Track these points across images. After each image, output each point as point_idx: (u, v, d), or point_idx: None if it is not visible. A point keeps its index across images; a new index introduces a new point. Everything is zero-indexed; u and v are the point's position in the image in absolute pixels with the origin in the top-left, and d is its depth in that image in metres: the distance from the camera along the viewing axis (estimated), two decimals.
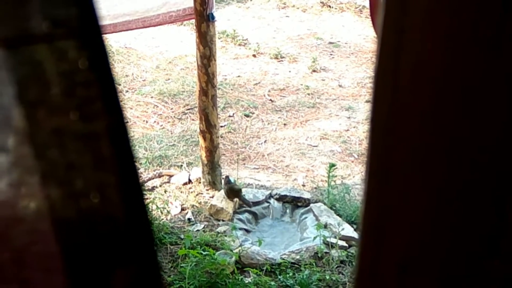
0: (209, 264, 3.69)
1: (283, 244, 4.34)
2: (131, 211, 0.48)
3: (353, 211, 4.51)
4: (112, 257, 0.49)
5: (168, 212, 4.60)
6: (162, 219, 4.49)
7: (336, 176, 4.80)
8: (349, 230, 4.27)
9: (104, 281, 0.50)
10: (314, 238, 4.09)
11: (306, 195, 4.74)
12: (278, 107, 6.58)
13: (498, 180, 0.46)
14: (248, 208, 4.62)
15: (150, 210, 4.37)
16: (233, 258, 3.91)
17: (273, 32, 8.82)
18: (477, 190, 0.47)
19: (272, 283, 3.77)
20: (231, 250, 3.99)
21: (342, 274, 3.96)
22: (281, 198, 4.73)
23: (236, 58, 7.92)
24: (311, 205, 4.62)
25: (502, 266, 0.48)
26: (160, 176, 5.11)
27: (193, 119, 6.15)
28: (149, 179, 5.02)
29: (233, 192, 4.55)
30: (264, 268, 3.91)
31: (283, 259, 4.01)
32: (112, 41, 7.52)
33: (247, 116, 6.37)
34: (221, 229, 4.37)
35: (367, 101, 6.62)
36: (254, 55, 7.97)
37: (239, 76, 7.37)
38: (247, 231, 4.47)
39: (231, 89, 6.97)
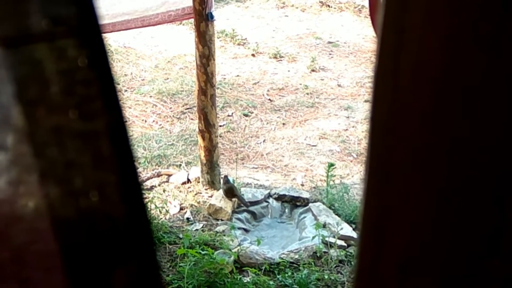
0: (207, 264, 3.69)
1: (281, 244, 4.34)
2: (130, 210, 0.48)
3: (352, 210, 4.51)
4: (111, 256, 0.49)
5: (167, 211, 4.60)
6: (161, 218, 4.49)
7: (335, 175, 4.80)
8: (347, 230, 4.28)
9: (104, 280, 0.50)
10: (313, 237, 4.09)
11: (305, 195, 4.75)
12: (277, 106, 6.58)
13: (498, 180, 0.46)
14: (247, 208, 4.62)
15: (149, 209, 4.37)
16: (232, 258, 3.91)
17: (272, 32, 8.82)
18: (477, 190, 0.47)
19: (271, 282, 3.77)
20: (230, 250, 3.99)
21: (341, 273, 3.96)
22: (280, 198, 4.73)
23: (235, 57, 7.91)
24: (310, 204, 4.62)
25: (502, 266, 0.48)
26: (159, 175, 5.11)
27: (192, 119, 6.15)
28: (148, 179, 5.02)
29: (231, 191, 4.55)
30: (263, 267, 3.92)
31: (282, 258, 4.01)
32: (111, 40, 7.52)
33: (246, 115, 6.37)
34: (219, 228, 4.37)
35: (366, 101, 6.63)
36: (253, 55, 7.97)
37: (238, 76, 7.37)
38: (246, 230, 4.47)
39: (230, 89, 6.97)
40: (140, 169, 5.08)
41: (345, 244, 4.18)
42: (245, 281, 3.76)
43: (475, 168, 0.46)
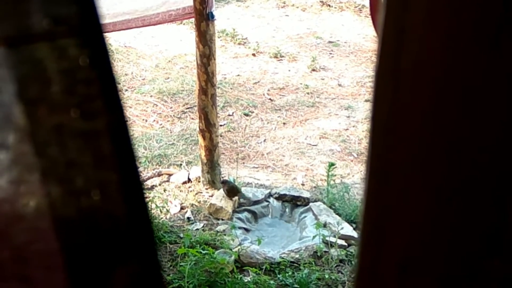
0: (208, 263, 3.69)
1: (282, 243, 4.34)
2: (131, 209, 0.48)
3: (353, 210, 4.51)
4: (112, 255, 0.49)
5: (168, 211, 4.60)
6: (162, 218, 4.49)
7: (335, 175, 4.80)
8: (348, 229, 4.28)
9: (105, 279, 0.50)
10: (314, 237, 4.09)
11: (306, 194, 4.75)
12: (278, 106, 6.58)
13: (498, 180, 0.46)
14: (248, 207, 4.62)
15: (149, 209, 4.36)
16: (233, 257, 3.91)
17: (272, 31, 8.82)
18: (477, 190, 0.47)
19: (271, 282, 3.77)
20: (231, 249, 3.99)
21: (341, 273, 3.96)
22: (281, 197, 4.73)
23: (235, 57, 7.92)
24: (311, 204, 4.62)
25: (502, 266, 0.49)
26: (159, 175, 5.11)
27: (192, 118, 6.16)
28: (149, 178, 5.02)
29: (233, 191, 4.56)
30: (264, 267, 3.92)
31: (283, 258, 4.01)
32: (111, 40, 7.51)
33: (246, 115, 6.37)
34: (220, 228, 4.37)
35: (366, 100, 6.63)
36: (253, 54, 7.97)
37: (238, 75, 7.37)
38: (247, 230, 4.47)
39: (231, 88, 6.97)
40: (140, 169, 5.08)
41: (346, 244, 4.19)
42: (246, 280, 3.76)
43: (476, 168, 0.46)
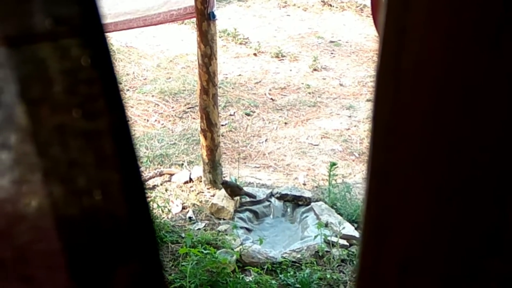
0: (210, 263, 3.69)
1: (284, 243, 4.34)
2: (133, 209, 0.48)
3: (354, 210, 4.51)
4: (114, 254, 0.49)
5: (169, 210, 4.60)
6: (163, 217, 4.49)
7: (337, 175, 4.80)
8: (350, 229, 4.27)
9: (107, 278, 0.50)
10: (315, 237, 4.09)
11: (307, 194, 4.75)
12: (279, 106, 6.58)
13: (499, 180, 0.46)
14: (249, 207, 4.62)
15: (151, 208, 4.37)
16: (234, 257, 3.91)
17: (274, 31, 8.82)
18: (478, 190, 0.47)
19: (273, 282, 3.77)
20: (232, 249, 3.99)
21: (343, 273, 3.96)
22: (282, 197, 4.73)
23: (237, 57, 7.92)
24: (312, 204, 4.62)
25: (502, 266, 0.49)
26: (161, 174, 5.12)
27: (194, 118, 6.16)
28: (150, 178, 5.02)
29: (235, 191, 4.56)
30: (265, 267, 3.92)
31: (284, 258, 4.01)
32: (113, 40, 7.52)
33: (248, 115, 6.37)
34: (222, 227, 4.38)
35: (368, 100, 6.63)
36: (255, 54, 7.97)
37: (240, 75, 7.37)
38: (248, 230, 4.47)
39: (232, 88, 6.97)
40: (142, 169, 5.09)
41: (347, 244, 4.18)
42: (247, 280, 3.76)
43: (476, 167, 0.46)
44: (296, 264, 3.99)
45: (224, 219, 4.49)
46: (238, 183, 4.76)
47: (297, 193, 4.74)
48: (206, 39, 4.41)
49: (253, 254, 4.01)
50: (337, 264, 4.01)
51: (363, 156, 5.49)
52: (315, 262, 3.98)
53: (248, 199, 4.65)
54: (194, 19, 4.61)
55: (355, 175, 5.20)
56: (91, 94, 0.44)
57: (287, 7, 9.71)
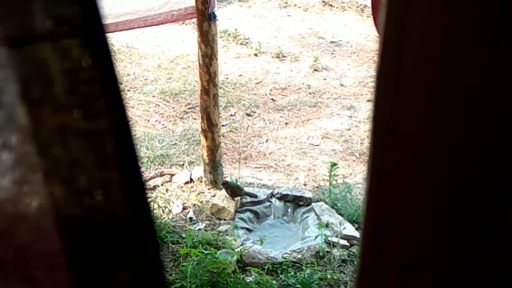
0: (210, 263, 3.70)
1: (284, 243, 4.34)
2: (134, 209, 0.48)
3: (355, 210, 4.51)
4: (115, 254, 0.49)
5: (170, 211, 4.60)
6: (164, 218, 4.49)
7: (337, 175, 4.80)
8: (350, 229, 4.27)
9: (107, 278, 0.50)
10: (316, 237, 4.09)
11: (308, 194, 4.74)
12: (280, 106, 6.58)
13: (499, 179, 0.46)
14: (250, 207, 4.62)
15: (152, 209, 4.37)
16: (235, 257, 3.91)
17: (274, 31, 8.82)
18: (478, 189, 0.47)
19: (274, 282, 3.77)
20: (233, 249, 4.00)
21: (344, 273, 3.96)
22: (283, 197, 4.73)
23: (237, 57, 7.92)
24: (313, 204, 4.62)
25: (502, 265, 0.49)
26: (161, 175, 5.12)
27: (194, 118, 6.16)
28: (151, 178, 5.02)
29: (235, 191, 4.56)
30: (266, 267, 3.92)
31: (285, 258, 4.01)
32: (113, 40, 7.52)
33: (248, 115, 6.37)
34: (222, 228, 4.38)
35: (368, 100, 6.63)
36: (255, 54, 7.97)
37: (240, 75, 7.37)
38: (249, 230, 4.47)
39: (233, 88, 6.97)
40: (143, 169, 5.09)
41: (348, 244, 4.18)
42: (248, 280, 3.76)
43: (476, 167, 0.46)
44: (297, 264, 3.99)
45: (224, 220, 4.49)
46: (238, 183, 4.76)
47: (298, 194, 4.74)
48: (207, 39, 4.41)
49: (253, 255, 4.01)
50: (337, 265, 4.01)
51: (364, 156, 5.49)
52: (315, 263, 3.98)
53: (248, 199, 4.65)
54: (195, 20, 4.61)
55: (355, 175, 5.20)
56: (92, 95, 0.44)
57: (288, 7, 9.71)
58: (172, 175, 5.11)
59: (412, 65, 0.44)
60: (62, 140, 0.45)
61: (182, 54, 7.90)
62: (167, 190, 4.88)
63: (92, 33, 0.43)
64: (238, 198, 4.60)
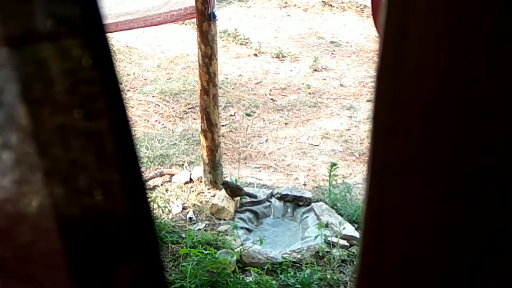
0: (210, 263, 3.70)
1: (284, 243, 4.34)
2: (134, 208, 0.48)
3: (354, 210, 4.51)
4: (115, 254, 0.49)
5: (169, 211, 4.60)
6: (164, 218, 4.49)
7: (337, 175, 4.80)
8: (350, 229, 4.27)
9: (107, 278, 0.50)
10: (315, 237, 4.09)
11: (308, 194, 4.75)
12: (280, 106, 6.58)
13: (499, 179, 0.46)
14: (250, 207, 4.62)
15: (152, 208, 4.38)
16: (234, 257, 3.91)
17: (274, 31, 8.82)
18: (478, 189, 0.47)
19: (273, 282, 3.77)
20: (232, 249, 4.00)
21: (343, 273, 3.96)
22: (283, 197, 4.74)
23: (237, 57, 7.92)
24: (313, 204, 4.63)
25: (502, 265, 0.49)
26: (161, 175, 5.12)
27: (194, 118, 6.16)
28: (151, 178, 5.03)
29: (235, 192, 4.56)
30: (265, 267, 3.92)
31: (284, 258, 4.01)
32: (113, 40, 7.52)
33: (248, 115, 6.37)
34: (222, 228, 4.38)
35: (368, 101, 6.63)
36: (255, 54, 7.97)
37: (240, 75, 7.37)
38: (248, 230, 4.47)
39: (233, 88, 6.97)
40: (142, 169, 5.08)
41: (348, 244, 4.18)
42: (248, 280, 3.76)
43: (477, 167, 0.46)
44: (297, 264, 3.99)
45: (224, 220, 4.49)
46: (238, 183, 4.76)
47: (298, 194, 4.75)
48: (207, 39, 4.41)
49: (253, 255, 4.01)
50: (337, 265, 4.01)
51: (364, 156, 5.50)
52: (315, 263, 3.98)
53: (248, 199, 4.65)
54: (195, 20, 4.61)
55: (355, 175, 5.20)
56: (92, 94, 0.44)
57: (288, 7, 9.72)
58: (171, 175, 5.11)
59: (412, 65, 0.44)
60: (62, 140, 0.45)
61: (182, 54, 7.90)
62: (166, 190, 4.88)
63: (92, 33, 0.43)
64: (238, 198, 4.60)
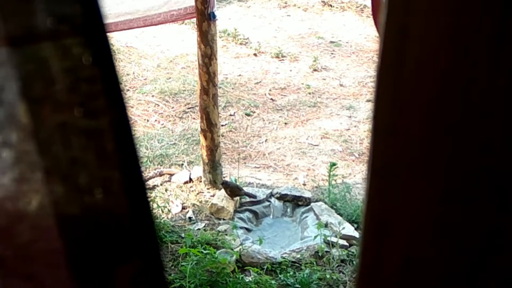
0: (209, 263, 3.70)
1: (283, 243, 4.34)
2: (134, 207, 0.48)
3: (354, 210, 4.51)
4: (115, 253, 0.49)
5: (169, 210, 4.60)
6: (163, 217, 4.49)
7: (336, 175, 4.80)
8: (349, 229, 4.28)
9: (108, 277, 0.50)
10: (315, 237, 4.09)
11: (307, 194, 4.75)
12: (279, 106, 6.58)
13: (499, 179, 0.46)
14: (249, 207, 4.62)
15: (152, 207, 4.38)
16: (234, 257, 3.91)
17: (274, 31, 8.82)
18: (478, 189, 0.47)
19: (273, 282, 3.77)
20: (232, 249, 4.00)
21: (343, 273, 3.96)
22: (282, 197, 4.74)
23: (237, 57, 7.92)
24: (312, 204, 4.63)
25: (503, 265, 0.49)
26: (161, 175, 5.12)
27: (194, 118, 6.16)
28: (150, 178, 5.02)
29: (235, 192, 4.56)
30: (265, 267, 3.92)
31: (284, 258, 4.01)
32: (113, 40, 7.52)
33: (248, 115, 6.37)
34: (221, 228, 4.38)
35: (368, 101, 6.63)
36: (255, 54, 7.97)
37: (240, 75, 7.37)
38: (248, 230, 4.47)
39: (232, 88, 6.97)
40: (142, 168, 5.08)
41: (347, 244, 4.18)
42: (247, 280, 3.76)
43: (477, 167, 0.46)
44: (296, 264, 3.99)
45: (224, 219, 4.49)
46: (238, 183, 4.76)
47: (297, 193, 4.75)
48: (206, 39, 4.41)
49: (252, 254, 4.01)
50: (336, 265, 4.01)
51: (363, 156, 5.50)
52: (314, 262, 3.98)
53: (248, 199, 4.65)
54: (195, 19, 4.61)
55: (355, 175, 5.20)
56: (93, 93, 0.44)
57: (287, 7, 9.72)
58: (171, 174, 5.11)
59: (412, 65, 0.44)
60: (62, 138, 0.45)
61: (182, 54, 7.90)
62: (166, 190, 4.88)
63: (93, 31, 0.43)
64: (237, 198, 4.60)
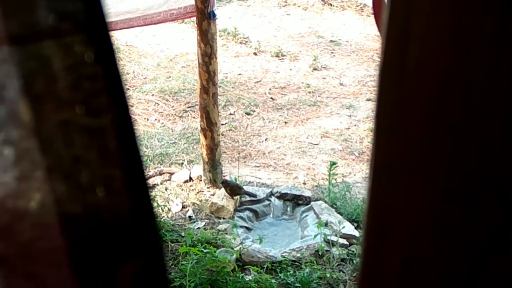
0: (209, 262, 3.70)
1: (283, 242, 4.34)
2: (136, 205, 0.48)
3: (354, 209, 4.51)
4: (117, 251, 0.50)
5: (169, 209, 4.61)
6: (163, 216, 4.49)
7: (337, 174, 4.80)
8: (349, 228, 4.28)
9: (110, 275, 0.50)
10: (315, 236, 4.09)
11: (307, 193, 4.75)
12: (279, 105, 6.58)
13: (500, 179, 0.46)
14: (249, 206, 4.62)
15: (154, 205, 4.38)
16: (234, 256, 3.91)
17: (274, 30, 8.82)
18: (479, 189, 0.47)
19: (273, 281, 3.77)
20: (232, 248, 4.00)
21: (343, 272, 3.96)
22: (282, 196, 4.74)
23: (237, 56, 7.92)
24: (312, 203, 4.63)
25: (502, 265, 0.49)
26: (161, 174, 5.12)
27: (194, 117, 6.16)
28: (150, 177, 5.02)
29: (235, 191, 4.56)
30: (265, 266, 3.92)
31: (284, 257, 4.01)
32: (113, 38, 7.50)
33: (248, 114, 6.37)
34: (221, 227, 4.38)
35: (368, 100, 6.63)
36: (255, 53, 7.97)
37: (240, 74, 7.37)
38: (248, 229, 4.47)
39: (232, 87, 6.97)
40: None
41: (347, 243, 4.19)
42: (247, 279, 3.76)
43: (478, 167, 0.46)
44: (296, 263, 3.99)
45: (224, 218, 4.49)
46: (238, 182, 4.76)
47: (297, 192, 4.75)
48: (206, 38, 4.41)
49: (253, 253, 4.01)
50: (336, 263, 4.01)
51: (363, 155, 5.50)
52: (314, 261, 3.98)
53: (248, 198, 4.65)
54: (195, 18, 4.60)
55: (355, 174, 5.20)
56: (95, 91, 0.44)
57: (287, 6, 9.71)
58: (171, 173, 5.11)
59: (414, 66, 0.44)
60: (64, 136, 0.45)
61: (182, 53, 7.89)
62: (166, 189, 4.88)
63: (95, 28, 0.43)
64: (238, 197, 4.60)
